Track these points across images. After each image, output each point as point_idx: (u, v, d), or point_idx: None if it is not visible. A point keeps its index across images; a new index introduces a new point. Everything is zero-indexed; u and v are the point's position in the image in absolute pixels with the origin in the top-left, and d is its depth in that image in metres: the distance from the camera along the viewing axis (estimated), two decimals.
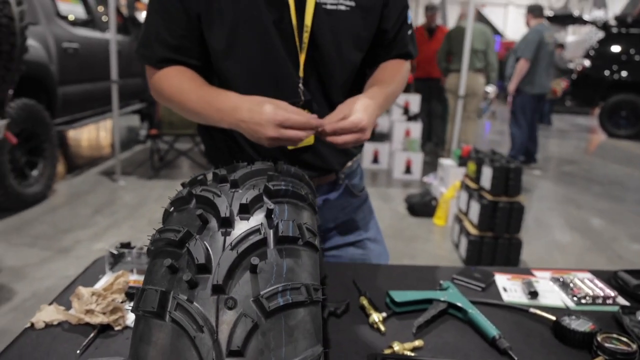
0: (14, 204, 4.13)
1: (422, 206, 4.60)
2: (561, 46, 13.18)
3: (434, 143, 7.50)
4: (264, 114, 0.97)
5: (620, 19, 10.79)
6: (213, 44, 1.12)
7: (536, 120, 6.67)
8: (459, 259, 3.71)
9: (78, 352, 0.84)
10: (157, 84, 1.14)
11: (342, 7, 1.11)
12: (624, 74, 10.29)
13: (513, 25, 23.23)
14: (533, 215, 4.82)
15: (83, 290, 0.87)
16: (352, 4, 1.12)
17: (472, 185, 3.63)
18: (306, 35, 1.09)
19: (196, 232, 0.63)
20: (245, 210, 0.64)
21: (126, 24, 6.84)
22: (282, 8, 1.07)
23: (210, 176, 0.76)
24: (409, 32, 1.29)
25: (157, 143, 5.72)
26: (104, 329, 0.90)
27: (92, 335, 0.87)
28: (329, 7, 1.10)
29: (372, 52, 1.26)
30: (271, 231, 0.63)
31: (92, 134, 7.94)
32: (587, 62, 10.76)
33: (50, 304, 0.94)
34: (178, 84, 1.11)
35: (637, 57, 10.31)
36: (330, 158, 1.25)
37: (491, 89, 7.24)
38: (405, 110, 6.35)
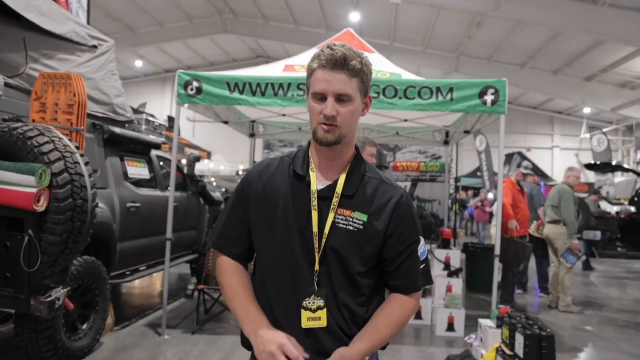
0: (60, 359, 4.12)
1: None
2: (595, 193, 13.51)
3: (501, 297, 6.84)
4: (278, 336, 1.40)
5: None
6: (256, 240, 1.57)
7: None
8: None
9: None
10: (220, 270, 1.61)
11: (351, 227, 1.47)
12: None
13: (559, 168, 24.02)
14: None
15: None
16: (360, 227, 1.47)
17: (507, 351, 3.59)
18: (323, 241, 1.45)
19: None
20: None
21: (185, 180, 7.26)
22: (307, 220, 1.49)
23: None
24: (421, 266, 1.56)
25: (203, 295, 5.88)
26: None
27: None
28: (340, 224, 1.47)
29: (381, 276, 1.56)
30: None
31: (144, 282, 8.26)
32: (632, 208, 11.42)
33: None
34: (233, 283, 1.57)
35: None
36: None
37: (575, 242, 7.19)
38: (446, 266, 6.41)
